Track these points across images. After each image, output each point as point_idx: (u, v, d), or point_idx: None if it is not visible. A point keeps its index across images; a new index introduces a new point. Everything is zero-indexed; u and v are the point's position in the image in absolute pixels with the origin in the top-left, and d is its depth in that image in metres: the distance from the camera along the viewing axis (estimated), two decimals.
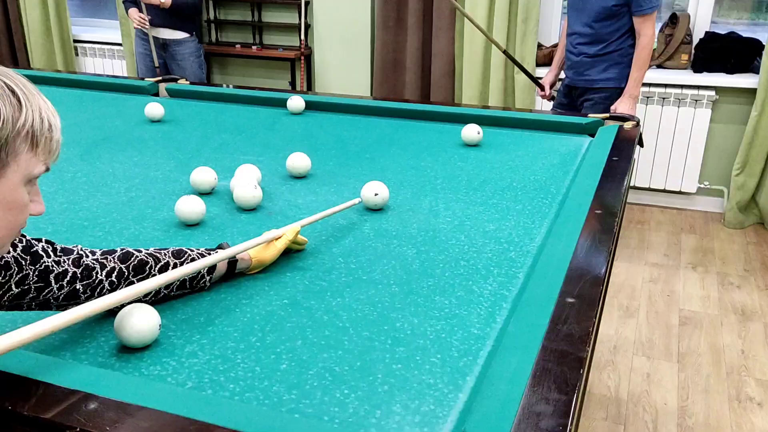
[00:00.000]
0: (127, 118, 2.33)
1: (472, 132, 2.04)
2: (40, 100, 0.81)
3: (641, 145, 2.14)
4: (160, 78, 2.80)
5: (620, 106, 2.93)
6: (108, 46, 4.88)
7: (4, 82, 0.76)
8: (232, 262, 1.16)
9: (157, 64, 3.81)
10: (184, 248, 1.13)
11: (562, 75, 3.27)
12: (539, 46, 3.95)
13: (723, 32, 3.72)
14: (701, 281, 3.09)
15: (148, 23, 3.72)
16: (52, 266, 0.96)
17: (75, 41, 4.94)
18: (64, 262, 0.97)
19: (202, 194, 1.60)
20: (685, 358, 2.50)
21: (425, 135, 2.15)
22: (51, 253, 0.97)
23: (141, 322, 0.94)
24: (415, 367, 0.94)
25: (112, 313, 0.98)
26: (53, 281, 0.95)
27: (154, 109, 2.29)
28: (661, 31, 3.79)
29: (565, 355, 0.89)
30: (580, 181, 1.65)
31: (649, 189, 3.94)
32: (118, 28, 4.71)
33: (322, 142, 2.08)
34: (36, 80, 2.71)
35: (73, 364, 0.89)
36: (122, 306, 0.96)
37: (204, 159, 1.90)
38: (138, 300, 1.00)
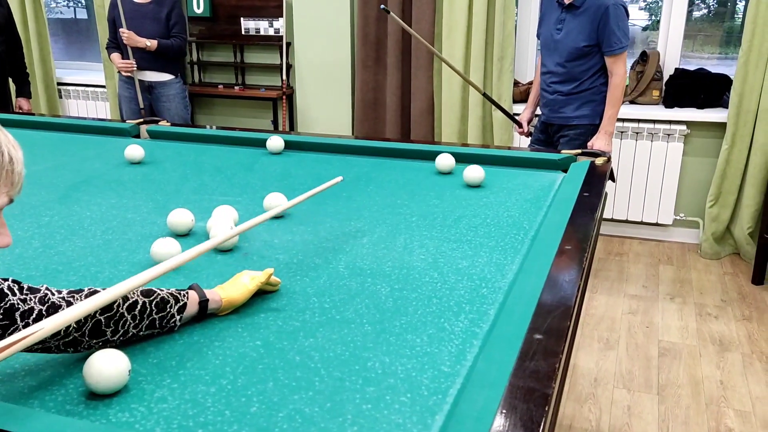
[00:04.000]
0: (107, 160, 2.34)
1: (447, 160, 2.16)
2: (0, 135, 0.82)
3: (613, 180, 2.19)
4: (142, 120, 2.82)
5: (596, 143, 2.99)
6: (92, 88, 4.92)
7: None
8: (203, 302, 1.17)
9: (142, 107, 3.84)
10: (154, 288, 1.14)
11: (539, 111, 3.34)
12: (515, 83, 4.03)
13: (692, 68, 3.83)
14: (679, 312, 3.12)
15: (134, 67, 3.76)
16: (18, 304, 0.96)
17: (59, 84, 4.97)
18: (31, 300, 0.98)
19: (180, 236, 1.61)
20: (665, 389, 2.51)
21: (403, 173, 2.18)
22: (17, 292, 0.97)
23: (109, 367, 0.94)
24: (385, 407, 0.95)
25: (82, 358, 0.98)
26: (18, 319, 0.95)
27: (134, 151, 2.31)
28: (632, 68, 3.89)
29: (532, 392, 0.90)
30: (551, 216, 1.68)
31: (626, 221, 3.99)
32: (102, 71, 4.76)
33: (300, 181, 2.10)
34: (18, 124, 2.69)
35: (40, 412, 0.89)
36: (91, 352, 0.97)
37: (182, 200, 1.91)
38: (99, 341, 1.02)
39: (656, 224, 3.95)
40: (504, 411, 0.86)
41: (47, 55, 4.85)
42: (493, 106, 3.81)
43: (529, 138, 3.42)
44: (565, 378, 1.47)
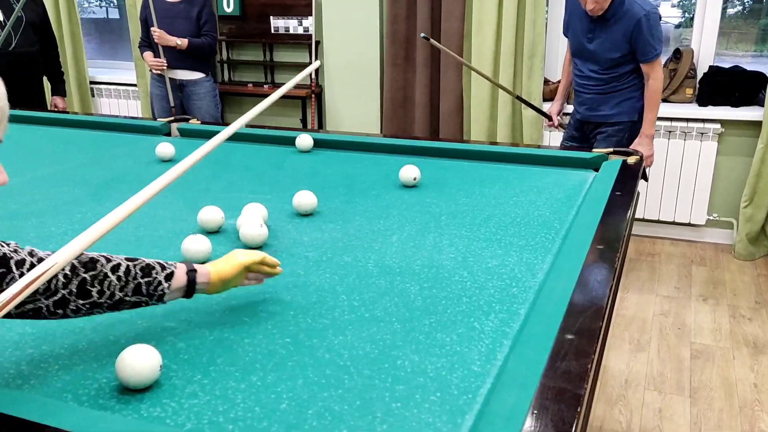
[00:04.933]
0: (138, 158, 2.37)
1: (409, 173, 2.00)
2: None
3: (645, 179, 2.15)
4: (172, 118, 2.85)
5: (638, 146, 2.97)
6: (123, 86, 4.99)
7: None
8: (191, 272, 1.15)
9: (173, 105, 3.88)
10: (143, 258, 1.13)
11: (570, 108, 3.31)
12: (545, 81, 3.99)
13: (727, 66, 3.75)
14: (712, 314, 3.06)
15: (165, 66, 3.80)
16: (11, 254, 0.97)
17: (91, 82, 5.06)
18: (20, 252, 0.98)
19: (210, 233, 1.62)
20: (697, 392, 2.47)
21: (432, 171, 2.17)
22: (5, 245, 0.98)
23: (141, 363, 0.95)
24: (414, 405, 0.94)
25: (115, 353, 0.99)
26: (14, 267, 0.96)
27: (165, 148, 2.33)
28: (665, 66, 3.82)
29: (563, 393, 0.89)
30: (583, 215, 1.66)
31: (658, 221, 3.93)
32: (134, 69, 4.82)
33: (329, 179, 2.10)
34: (52, 122, 2.74)
35: (73, 406, 0.91)
36: (122, 347, 0.98)
37: (212, 198, 1.92)
38: (87, 303, 1.02)
39: (689, 224, 3.88)
40: (535, 411, 0.85)
41: (80, 54, 4.93)
42: (523, 105, 3.78)
43: (561, 132, 3.40)
44: (596, 379, 1.45)
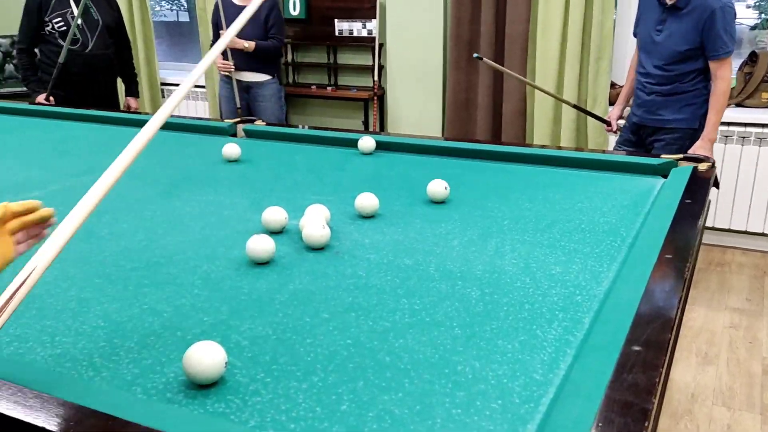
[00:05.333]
0: (205, 158, 2.44)
1: (438, 187, 1.90)
2: None
3: (717, 186, 2.07)
4: (239, 119, 2.92)
5: (698, 150, 2.85)
6: (192, 88, 5.13)
7: None
8: None
9: (239, 106, 3.97)
10: None
11: (627, 110, 3.22)
12: (612, 85, 3.90)
13: None
14: None
15: (233, 68, 3.90)
16: None
17: (162, 83, 5.23)
18: None
19: (273, 233, 1.65)
20: None
21: (494, 175, 2.15)
22: None
23: (207, 359, 0.98)
24: (475, 412, 0.93)
25: (182, 348, 1.02)
26: None
27: (231, 149, 2.39)
28: (740, 69, 3.68)
29: (629, 406, 0.86)
30: (651, 223, 1.61)
31: (729, 230, 3.77)
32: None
33: (391, 182, 2.11)
34: (125, 122, 2.84)
35: (143, 399, 0.94)
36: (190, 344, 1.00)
37: (276, 198, 1.96)
38: None
39: (762, 234, 3.71)
40: (600, 424, 0.83)
41: (152, 56, 5.10)
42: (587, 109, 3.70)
43: (616, 135, 3.31)
44: (664, 393, 1.40)
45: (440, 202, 1.88)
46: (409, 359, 1.07)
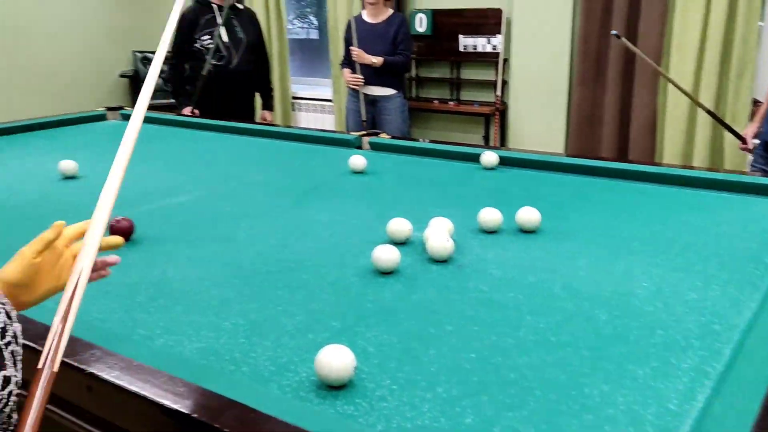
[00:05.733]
0: (333, 169, 2.53)
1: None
2: None
3: None
4: (365, 132, 3.01)
5: None
6: (320, 102, 5.35)
7: None
8: None
9: (365, 119, 4.09)
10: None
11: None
12: (754, 102, 3.65)
13: None
14: None
15: (362, 82, 4.02)
16: None
17: (293, 98, 5.48)
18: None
19: (398, 244, 1.69)
20: None
21: (621, 194, 2.08)
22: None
23: (339, 362, 1.02)
24: None
25: (315, 349, 1.07)
26: None
27: (358, 161, 2.46)
28: None
29: None
30: None
31: None
32: (330, 86, 5.15)
33: (514, 197, 2.09)
34: (260, 133, 2.97)
35: (279, 395, 0.99)
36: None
37: (400, 210, 1.99)
38: None
39: None
40: None
41: (285, 72, 5.37)
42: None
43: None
44: None
45: (492, 232, 1.78)
46: (533, 377, 1.06)
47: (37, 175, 2.39)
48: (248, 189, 2.26)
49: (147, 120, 3.43)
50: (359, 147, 2.89)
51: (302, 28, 6.22)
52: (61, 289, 0.85)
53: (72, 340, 1.06)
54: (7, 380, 0.67)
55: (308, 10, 6.10)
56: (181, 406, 0.91)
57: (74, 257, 0.90)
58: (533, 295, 1.38)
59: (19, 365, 0.70)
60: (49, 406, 1.04)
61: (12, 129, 3.19)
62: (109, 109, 3.63)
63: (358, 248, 1.68)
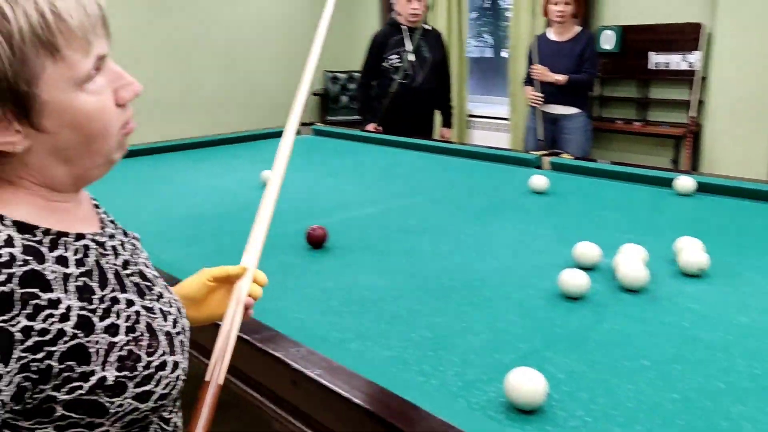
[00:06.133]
0: (513, 187, 2.49)
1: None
2: None
3: None
4: (546, 152, 2.94)
5: None
6: (495, 120, 5.32)
7: None
8: None
9: (541, 138, 4.00)
10: None
11: None
12: None
13: None
14: None
15: (542, 100, 3.94)
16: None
17: (468, 115, 5.50)
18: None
19: (585, 269, 1.62)
20: None
21: None
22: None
23: (530, 386, 0.99)
24: None
25: (503, 369, 1.05)
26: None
27: (539, 181, 2.41)
28: None
29: None
30: None
31: None
32: (506, 104, 5.10)
33: (714, 227, 1.93)
34: (439, 150, 2.99)
35: (468, 412, 0.99)
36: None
37: (585, 233, 1.91)
38: None
39: None
40: None
41: (463, 90, 5.40)
42: None
43: None
44: None
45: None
46: (752, 429, 0.96)
47: (243, 183, 2.61)
48: (430, 204, 2.29)
49: (336, 135, 3.64)
50: (538, 167, 2.82)
51: (477, 46, 6.24)
52: (219, 318, 0.88)
53: (279, 336, 1.13)
54: (176, 365, 0.72)
55: (484, 29, 6.11)
56: (381, 411, 0.93)
57: (228, 292, 0.89)
58: (744, 336, 1.25)
59: (186, 354, 0.76)
60: (254, 393, 1.13)
61: (223, 140, 3.56)
62: (303, 124, 3.88)
63: (542, 270, 1.64)
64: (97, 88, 0.64)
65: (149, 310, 0.72)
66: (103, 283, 0.68)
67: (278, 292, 1.47)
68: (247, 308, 0.86)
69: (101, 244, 0.72)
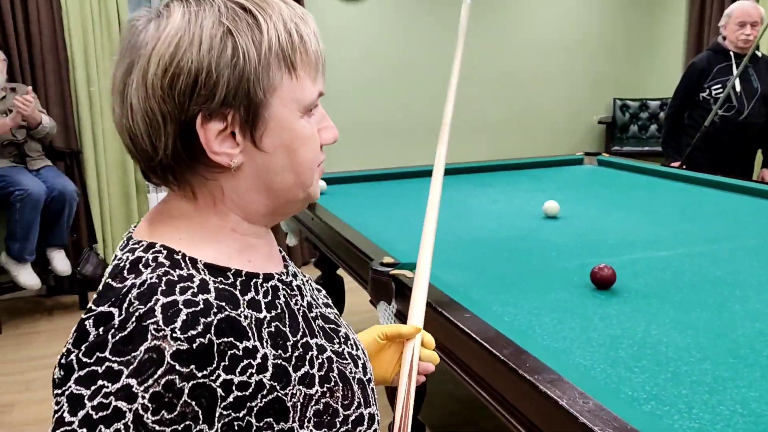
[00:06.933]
0: None
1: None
2: (280, 5, 0.63)
3: None
4: None
5: None
6: None
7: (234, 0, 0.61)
8: None
9: None
10: None
11: None
12: None
13: None
14: None
15: None
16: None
17: None
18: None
19: None
20: None
21: None
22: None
23: None
24: None
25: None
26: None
27: None
28: None
29: None
30: None
31: None
32: None
33: None
34: (755, 192, 2.57)
35: None
36: None
37: None
38: None
39: None
40: None
41: None
42: None
43: None
44: None
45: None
46: None
47: (523, 212, 2.53)
48: (741, 254, 1.96)
49: (623, 167, 3.37)
50: None
51: None
52: (386, 382, 0.85)
53: (563, 381, 1.04)
54: (371, 418, 0.66)
55: None
56: None
57: (399, 354, 0.86)
58: None
59: (377, 405, 0.69)
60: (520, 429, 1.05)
61: (502, 166, 3.51)
62: (587, 154, 3.69)
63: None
64: (312, 121, 0.66)
65: (339, 355, 0.67)
66: (294, 327, 0.64)
67: (557, 331, 1.37)
68: (424, 374, 0.83)
69: (288, 285, 0.68)
